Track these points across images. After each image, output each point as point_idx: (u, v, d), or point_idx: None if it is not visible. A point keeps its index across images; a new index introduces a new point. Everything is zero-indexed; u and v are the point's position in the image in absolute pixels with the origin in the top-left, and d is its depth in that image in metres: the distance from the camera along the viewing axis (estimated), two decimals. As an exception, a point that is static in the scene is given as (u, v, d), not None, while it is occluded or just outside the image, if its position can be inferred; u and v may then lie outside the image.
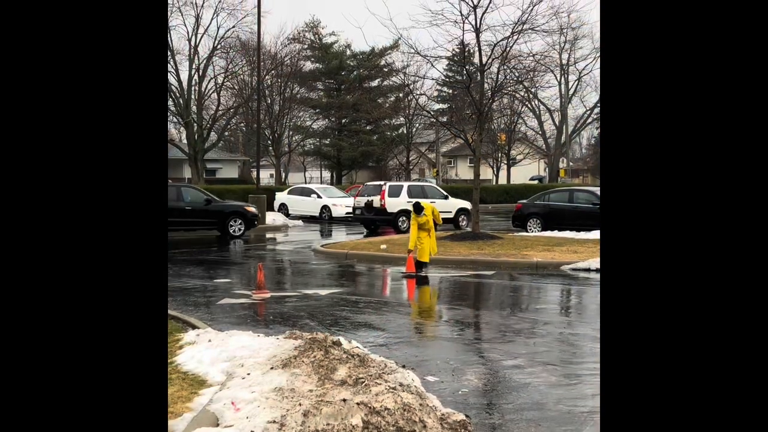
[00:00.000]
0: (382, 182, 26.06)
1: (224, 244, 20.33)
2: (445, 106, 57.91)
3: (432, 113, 32.42)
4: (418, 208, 13.88)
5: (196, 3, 44.00)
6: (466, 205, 24.98)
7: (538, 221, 21.35)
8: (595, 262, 13.57)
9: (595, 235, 18.29)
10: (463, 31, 18.84)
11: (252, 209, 23.14)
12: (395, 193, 24.01)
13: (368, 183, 28.57)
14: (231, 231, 22.18)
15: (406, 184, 24.97)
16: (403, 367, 5.79)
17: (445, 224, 22.32)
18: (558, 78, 53.53)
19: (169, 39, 47.14)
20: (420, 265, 13.68)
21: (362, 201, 24.69)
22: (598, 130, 68.91)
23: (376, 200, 23.89)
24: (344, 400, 4.70)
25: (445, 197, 25.22)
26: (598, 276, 12.81)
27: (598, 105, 55.29)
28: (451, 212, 24.74)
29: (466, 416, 4.85)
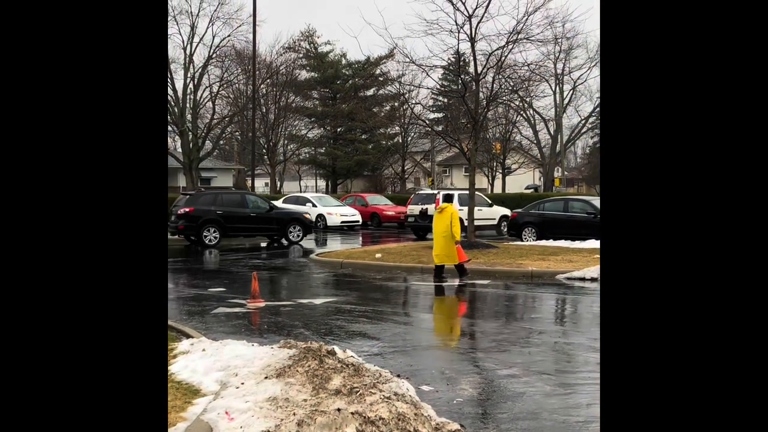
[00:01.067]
0: (435, 191, 28.10)
1: (230, 252, 20.31)
2: (440, 115, 57.96)
3: (427, 122, 32.47)
4: (449, 198, 14.57)
5: (191, 12, 44.45)
6: (508, 212, 26.88)
7: (533, 230, 21.38)
8: (590, 271, 13.58)
9: (590, 244, 18.31)
10: (458, 40, 18.94)
11: (309, 216, 24.53)
12: (448, 201, 24.63)
13: (419, 192, 30.66)
14: (291, 237, 23.21)
15: (456, 193, 26.31)
16: (398, 376, 5.79)
17: (489, 230, 26.02)
18: (553, 87, 53.66)
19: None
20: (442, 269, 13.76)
21: (416, 209, 26.15)
22: (593, 140, 69.16)
23: (431, 208, 24.86)
24: (339, 409, 4.69)
25: (490, 205, 27.21)
26: (593, 285, 12.82)
27: (593, 115, 55.56)
28: (494, 219, 27.06)
29: (461, 426, 4.84)
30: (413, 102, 35.66)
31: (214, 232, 21.78)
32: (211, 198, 22.60)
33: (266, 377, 5.57)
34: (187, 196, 22.62)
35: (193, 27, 44.17)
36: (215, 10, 44.16)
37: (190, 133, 45.09)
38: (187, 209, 21.84)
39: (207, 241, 21.66)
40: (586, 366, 6.95)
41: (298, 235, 23.32)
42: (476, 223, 24.22)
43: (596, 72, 52.64)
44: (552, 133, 56.00)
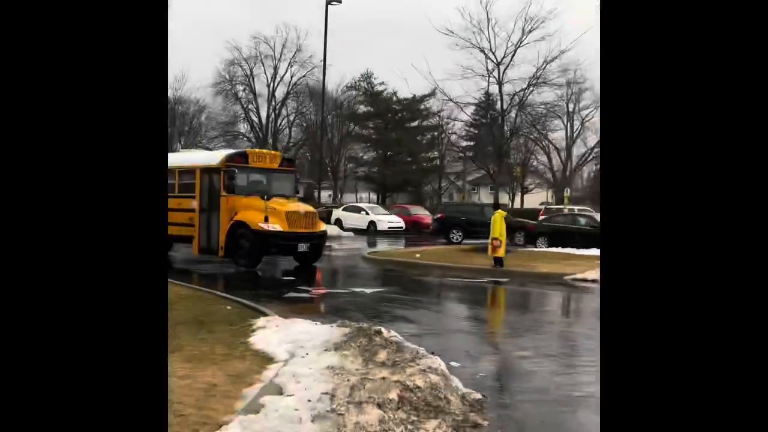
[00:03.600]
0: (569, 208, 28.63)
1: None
2: (471, 143, 57.46)
3: (460, 149, 32.33)
4: (498, 206, 15.91)
5: (274, 56, 45.12)
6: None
7: (546, 239, 21.11)
8: (591, 273, 13.33)
9: (593, 251, 17.98)
10: (488, 83, 18.99)
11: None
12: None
13: (549, 207, 30.94)
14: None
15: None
16: (432, 353, 5.75)
17: None
18: (564, 123, 52.91)
19: (252, 84, 48.30)
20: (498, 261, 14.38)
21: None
22: (596, 167, 67.75)
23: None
24: (384, 378, 4.69)
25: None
26: (593, 285, 12.57)
27: (597, 146, 54.40)
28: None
29: (483, 395, 4.80)
30: (450, 132, 35.59)
31: (458, 232, 22.79)
32: (455, 207, 25.64)
33: (326, 350, 5.60)
34: (441, 205, 24.71)
35: (275, 69, 45.09)
36: (293, 56, 45.16)
37: (270, 153, 45.72)
38: (440, 215, 23.59)
39: (453, 240, 22.72)
40: (586, 351, 6.81)
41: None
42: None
43: (601, 111, 51.55)
44: (563, 160, 55.20)
